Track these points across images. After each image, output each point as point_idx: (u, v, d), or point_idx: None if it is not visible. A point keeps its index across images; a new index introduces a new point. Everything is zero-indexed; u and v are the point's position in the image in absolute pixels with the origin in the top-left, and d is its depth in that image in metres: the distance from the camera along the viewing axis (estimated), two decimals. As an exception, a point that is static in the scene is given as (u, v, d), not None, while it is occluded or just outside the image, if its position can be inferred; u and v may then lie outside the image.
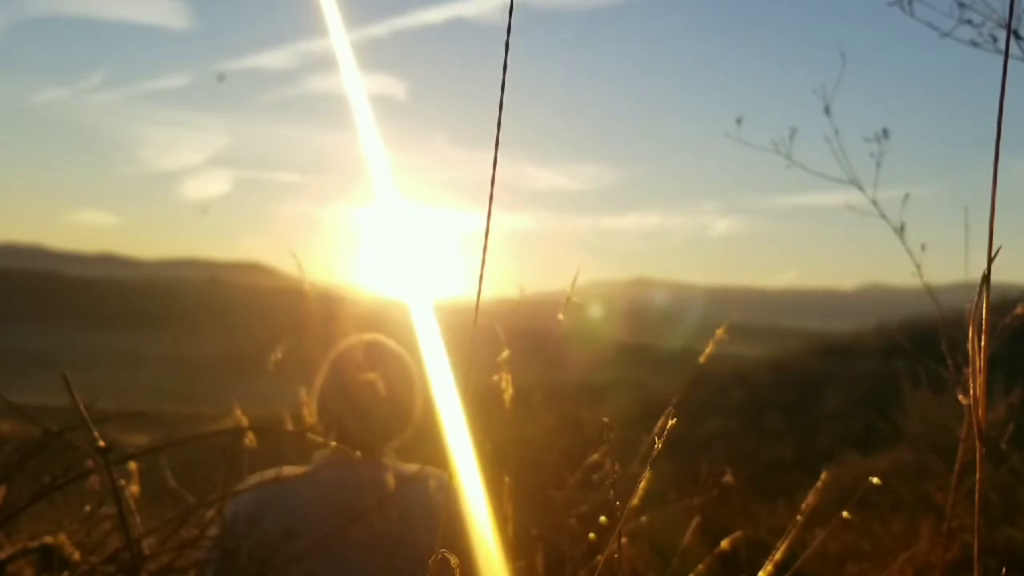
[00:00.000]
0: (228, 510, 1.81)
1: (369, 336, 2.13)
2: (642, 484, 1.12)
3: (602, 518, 1.52)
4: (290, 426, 2.26)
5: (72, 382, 1.38)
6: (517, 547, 1.83)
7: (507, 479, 1.75)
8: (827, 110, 2.56)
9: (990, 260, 0.76)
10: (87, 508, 1.64)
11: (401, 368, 2.08)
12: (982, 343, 0.77)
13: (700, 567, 1.94)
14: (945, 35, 2.26)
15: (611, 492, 1.05)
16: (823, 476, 1.60)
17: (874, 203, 2.46)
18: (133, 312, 63.30)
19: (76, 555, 1.50)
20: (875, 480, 1.51)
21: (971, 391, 0.80)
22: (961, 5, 2.22)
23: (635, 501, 1.15)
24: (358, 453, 1.87)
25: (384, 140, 1.55)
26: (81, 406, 1.34)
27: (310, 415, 2.10)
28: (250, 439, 1.98)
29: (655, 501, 2.59)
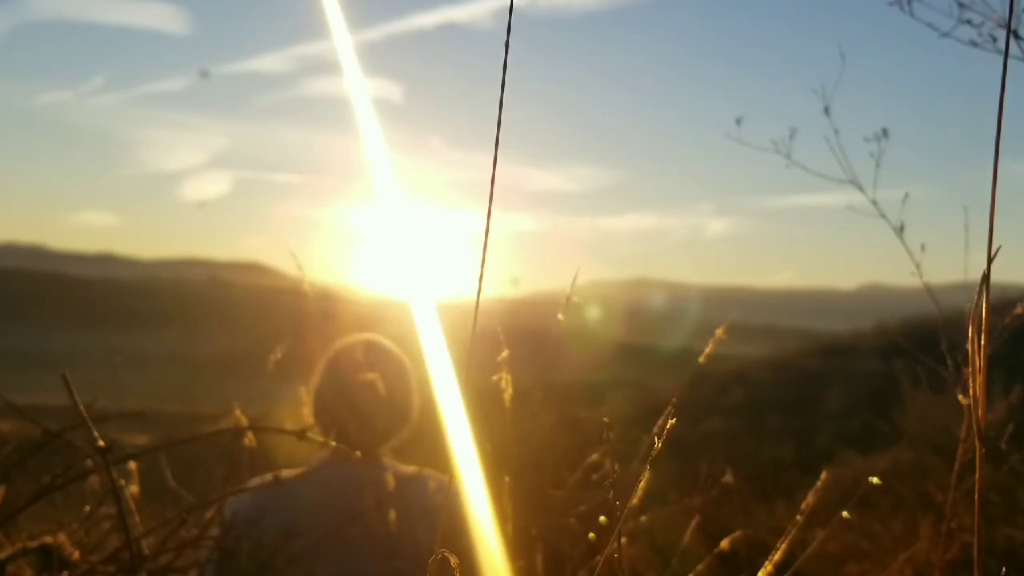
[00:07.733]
0: (228, 510, 1.81)
1: (367, 336, 2.13)
2: (642, 484, 1.12)
3: (602, 518, 1.52)
4: (290, 426, 2.25)
5: (72, 382, 1.37)
6: (517, 547, 1.82)
7: (507, 479, 1.75)
8: (827, 110, 2.55)
9: (990, 260, 0.76)
10: (87, 508, 1.63)
11: (399, 368, 2.08)
12: (982, 343, 0.77)
13: (700, 567, 1.94)
14: (945, 35, 2.25)
15: (611, 492, 1.05)
16: (823, 476, 1.60)
17: (874, 203, 2.46)
18: (133, 312, 63.23)
19: (76, 555, 1.50)
20: (875, 480, 1.51)
21: (971, 391, 0.80)
22: (961, 5, 2.22)
23: (635, 501, 1.15)
24: (357, 453, 1.87)
25: (384, 141, 1.54)
26: (81, 406, 1.33)
27: (309, 415, 2.10)
28: (250, 439, 1.98)
29: (655, 501, 2.59)
